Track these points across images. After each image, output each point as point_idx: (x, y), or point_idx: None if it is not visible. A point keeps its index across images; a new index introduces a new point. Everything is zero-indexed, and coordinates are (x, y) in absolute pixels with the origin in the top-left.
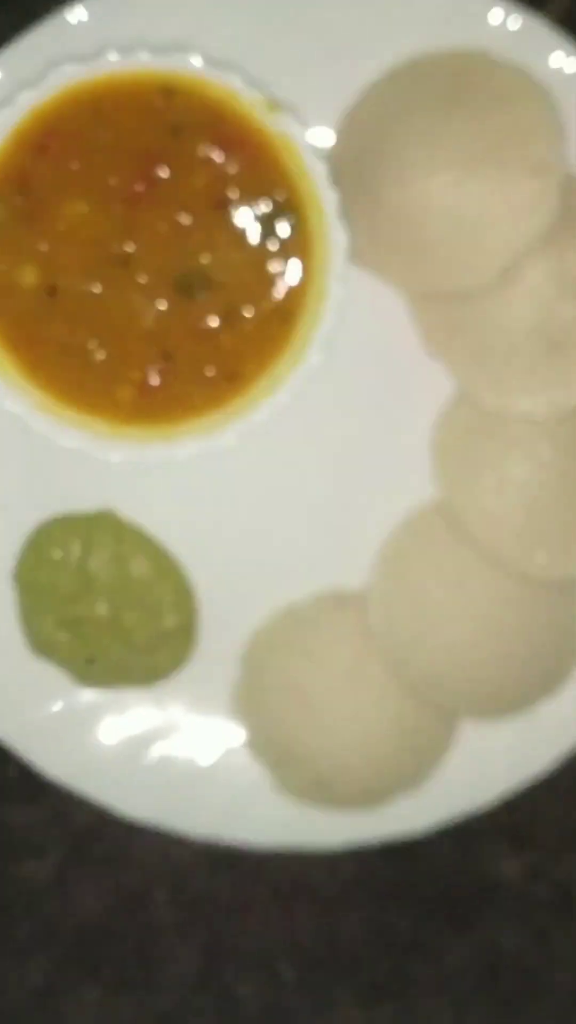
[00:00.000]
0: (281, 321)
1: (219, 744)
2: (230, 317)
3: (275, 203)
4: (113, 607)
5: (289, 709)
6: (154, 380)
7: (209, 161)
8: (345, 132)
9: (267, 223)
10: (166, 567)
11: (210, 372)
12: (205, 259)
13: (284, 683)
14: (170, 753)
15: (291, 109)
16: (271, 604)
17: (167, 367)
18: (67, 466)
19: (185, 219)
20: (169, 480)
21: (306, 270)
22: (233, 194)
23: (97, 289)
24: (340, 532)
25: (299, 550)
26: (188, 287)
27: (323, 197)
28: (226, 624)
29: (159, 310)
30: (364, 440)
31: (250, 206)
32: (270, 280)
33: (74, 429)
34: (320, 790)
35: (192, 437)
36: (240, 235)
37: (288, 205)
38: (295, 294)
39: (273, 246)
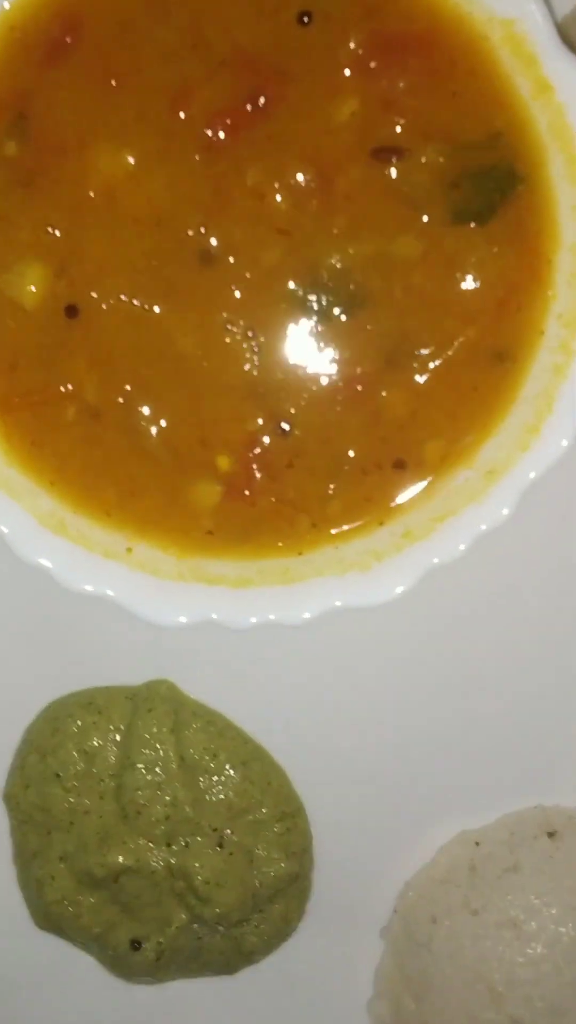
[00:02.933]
0: (493, 367)
1: None
2: (398, 359)
3: (481, 150)
4: (176, 851)
5: (481, 1020)
6: (256, 470)
7: (361, 73)
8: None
9: (468, 187)
10: (265, 777)
11: (358, 456)
12: (349, 254)
13: (467, 973)
14: None
15: None
16: (434, 836)
17: (280, 446)
18: (94, 615)
19: (312, 179)
20: (265, 641)
21: (539, 273)
22: (402, 134)
23: (155, 308)
24: (541, 727)
25: (477, 752)
26: (320, 305)
27: None
28: (358, 870)
29: (266, 345)
30: None
31: (435, 156)
32: (472, 293)
33: (106, 562)
34: None
35: (330, 576)
36: (416, 208)
37: (506, 154)
38: (519, 318)
39: (478, 228)
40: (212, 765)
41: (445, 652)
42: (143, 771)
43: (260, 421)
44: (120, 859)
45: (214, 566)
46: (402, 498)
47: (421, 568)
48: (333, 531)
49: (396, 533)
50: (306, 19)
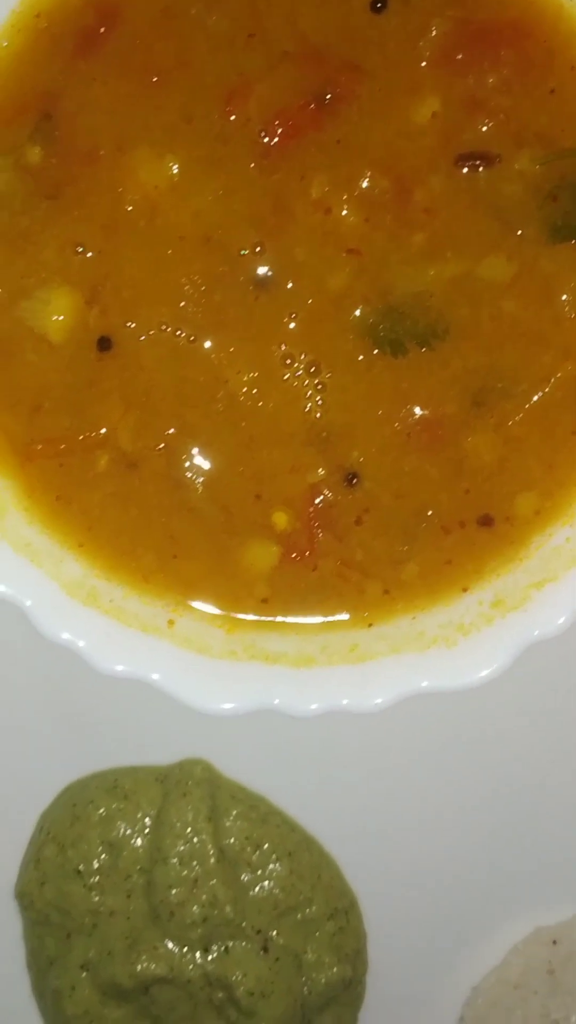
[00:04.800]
0: None
1: None
2: (485, 399)
3: None
4: (215, 957)
5: None
6: (319, 528)
7: (444, 67)
8: None
9: (567, 200)
10: (315, 870)
11: (438, 512)
12: (429, 277)
13: None
14: None
15: None
16: (504, 934)
17: (347, 501)
18: (125, 694)
19: (386, 190)
20: (323, 725)
21: None
22: (492, 138)
23: (202, 341)
24: None
25: (553, 840)
26: (393, 336)
27: None
28: (418, 973)
29: (331, 383)
30: None
31: (529, 163)
32: (572, 322)
33: (144, 638)
34: None
35: (408, 653)
36: (507, 223)
37: None
38: None
39: None
40: (255, 858)
41: (536, 741)
42: (176, 865)
43: (323, 471)
44: (151, 967)
45: (270, 641)
46: (490, 561)
47: (515, 645)
48: (409, 600)
49: (485, 602)
50: (380, 5)
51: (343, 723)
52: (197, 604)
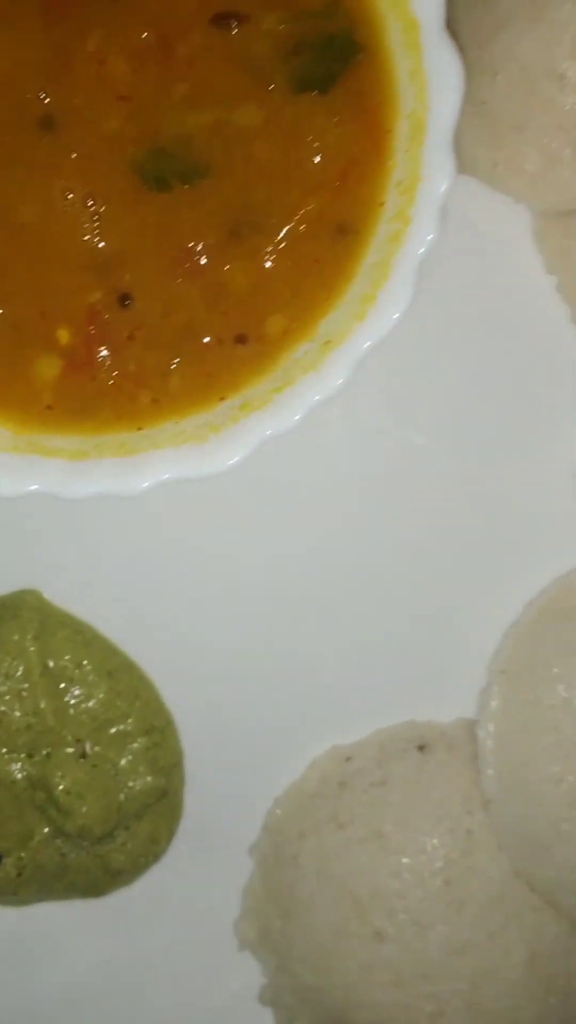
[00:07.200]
0: (335, 239)
1: (216, 996)
2: (240, 231)
3: (320, 18)
4: (38, 761)
5: (345, 933)
6: (97, 344)
7: None
8: None
9: (308, 56)
10: (133, 689)
11: (200, 331)
12: (191, 122)
13: (333, 887)
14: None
15: None
16: (307, 752)
17: (121, 319)
18: None
19: (153, 45)
20: (127, 534)
21: (380, 144)
22: (243, 0)
23: None
24: (417, 639)
25: (350, 667)
26: (159, 174)
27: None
28: (230, 789)
29: (106, 214)
30: (459, 460)
31: (275, 23)
32: (313, 165)
33: None
34: None
35: (168, 448)
36: (257, 76)
37: (345, 22)
38: (361, 189)
39: (319, 98)
40: (77, 674)
41: (296, 528)
42: (4, 678)
43: (100, 293)
44: None
45: (52, 440)
46: (244, 374)
47: (256, 438)
48: (173, 404)
49: (235, 407)
50: None
51: (160, 543)
52: None
